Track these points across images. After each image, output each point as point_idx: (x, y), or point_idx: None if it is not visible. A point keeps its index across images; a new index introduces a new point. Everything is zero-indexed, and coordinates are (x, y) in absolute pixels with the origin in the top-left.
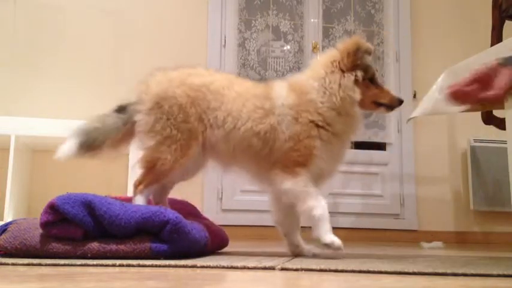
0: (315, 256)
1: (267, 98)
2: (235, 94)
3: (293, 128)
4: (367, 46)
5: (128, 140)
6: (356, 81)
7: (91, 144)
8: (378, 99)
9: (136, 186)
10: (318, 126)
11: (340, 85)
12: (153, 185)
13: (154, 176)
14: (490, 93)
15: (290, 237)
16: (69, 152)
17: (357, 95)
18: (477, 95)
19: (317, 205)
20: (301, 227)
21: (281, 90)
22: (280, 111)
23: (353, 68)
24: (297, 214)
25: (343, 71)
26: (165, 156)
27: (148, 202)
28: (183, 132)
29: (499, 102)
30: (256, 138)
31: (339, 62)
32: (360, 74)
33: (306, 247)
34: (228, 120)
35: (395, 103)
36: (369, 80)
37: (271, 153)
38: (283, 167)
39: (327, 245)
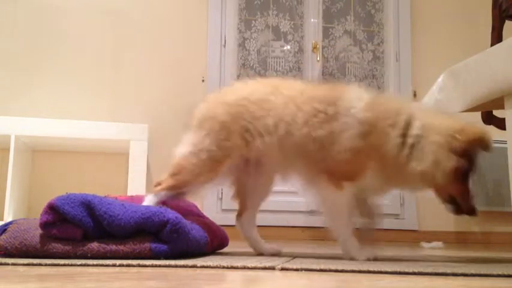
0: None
1: (332, 103)
2: (286, 98)
3: (355, 142)
4: (490, 145)
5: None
6: (455, 169)
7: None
8: (456, 196)
9: (155, 185)
10: (380, 153)
11: (438, 162)
12: (170, 191)
13: (176, 183)
14: None
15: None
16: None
17: (449, 168)
18: None
19: (343, 229)
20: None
21: (357, 102)
22: (346, 120)
23: (462, 154)
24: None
25: (456, 152)
26: (192, 168)
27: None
28: (221, 149)
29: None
30: (312, 143)
31: (456, 140)
32: (463, 163)
33: (365, 248)
34: (280, 126)
35: (469, 211)
36: (463, 174)
37: (324, 160)
38: (330, 175)
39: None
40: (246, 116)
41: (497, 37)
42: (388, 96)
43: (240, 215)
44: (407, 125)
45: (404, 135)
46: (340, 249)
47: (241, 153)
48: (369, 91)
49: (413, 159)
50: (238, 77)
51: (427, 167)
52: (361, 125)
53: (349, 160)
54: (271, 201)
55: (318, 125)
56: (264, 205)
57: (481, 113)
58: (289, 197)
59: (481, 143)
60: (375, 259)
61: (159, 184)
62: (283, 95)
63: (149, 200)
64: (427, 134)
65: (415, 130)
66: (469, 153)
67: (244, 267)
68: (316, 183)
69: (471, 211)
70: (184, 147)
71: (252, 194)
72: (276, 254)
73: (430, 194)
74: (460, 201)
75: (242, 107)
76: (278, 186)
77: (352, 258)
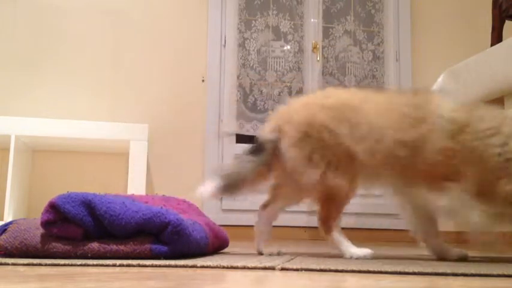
0: (461, 259)
1: (419, 107)
2: (375, 105)
3: (445, 143)
4: None
5: (266, 178)
6: None
7: (229, 189)
8: None
9: (325, 223)
10: (475, 157)
11: None
12: (340, 215)
13: (338, 205)
14: None
15: (430, 242)
16: (209, 193)
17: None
18: None
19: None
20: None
21: (445, 103)
22: (435, 121)
23: None
24: (433, 218)
25: None
26: (340, 182)
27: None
28: (339, 154)
29: None
30: (403, 148)
31: None
32: None
33: (453, 249)
34: (372, 133)
35: None
36: None
37: (416, 164)
38: (430, 181)
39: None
40: (344, 122)
41: (497, 37)
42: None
43: (265, 206)
44: (509, 138)
45: (503, 146)
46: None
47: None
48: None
49: (506, 175)
50: (238, 77)
51: None
52: (450, 124)
53: (443, 162)
54: None
55: (407, 128)
56: None
57: None
58: None
59: None
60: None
61: (328, 219)
62: (373, 102)
63: (337, 237)
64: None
65: None
66: None
67: (244, 267)
68: (415, 191)
69: None
70: (311, 174)
71: (290, 193)
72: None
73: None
74: None
75: (341, 112)
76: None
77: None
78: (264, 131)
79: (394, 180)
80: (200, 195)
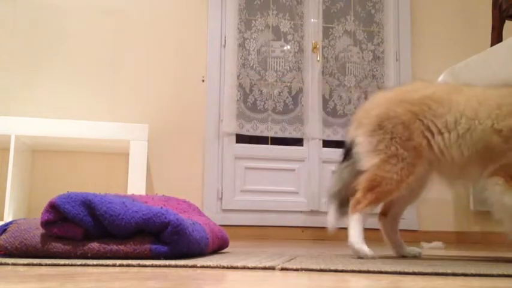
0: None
1: None
2: (467, 96)
3: None
4: None
5: None
6: None
7: (345, 203)
8: None
9: (354, 205)
10: None
11: None
12: (373, 206)
13: (377, 195)
14: None
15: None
16: (335, 220)
17: None
18: None
19: None
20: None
21: None
22: None
23: None
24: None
25: None
26: (391, 176)
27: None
28: (408, 150)
29: None
30: (496, 136)
31: None
32: None
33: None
34: (462, 122)
35: None
36: None
37: (504, 155)
38: (506, 178)
39: None
40: (427, 115)
41: (497, 37)
42: None
43: (384, 214)
44: None
45: None
46: None
47: (425, 152)
48: None
49: None
50: (238, 77)
51: None
52: None
53: None
54: (272, 201)
55: (502, 117)
56: (264, 205)
57: None
58: (289, 197)
59: None
60: None
61: (358, 202)
62: (465, 93)
63: (356, 221)
64: None
65: None
66: None
67: (244, 267)
68: (487, 185)
69: None
70: (371, 157)
71: (403, 196)
72: (417, 256)
73: (430, 195)
74: None
75: (425, 106)
76: (278, 186)
77: None
78: (349, 132)
79: (480, 171)
80: (330, 227)
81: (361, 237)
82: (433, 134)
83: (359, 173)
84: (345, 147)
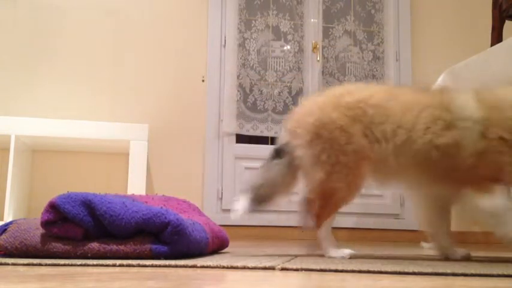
0: (464, 259)
1: (447, 109)
2: (403, 105)
3: (478, 144)
4: None
5: (296, 179)
6: None
7: (262, 200)
8: None
9: (318, 219)
10: (509, 143)
11: None
12: (333, 216)
13: (334, 206)
14: None
15: (438, 239)
16: (244, 210)
17: None
18: None
19: None
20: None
21: (466, 103)
22: (464, 125)
23: None
24: (447, 216)
25: None
26: (340, 185)
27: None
28: (349, 154)
29: None
30: (435, 151)
31: None
32: None
33: (457, 250)
34: (399, 133)
35: None
36: None
37: (451, 169)
38: (475, 185)
39: None
40: (363, 120)
41: (497, 37)
42: (489, 89)
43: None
44: None
45: None
46: None
47: (368, 153)
48: (466, 91)
49: None
50: (238, 77)
51: None
52: (477, 124)
53: (480, 164)
54: None
55: (440, 132)
56: None
57: None
58: (289, 197)
59: None
60: None
61: (320, 217)
62: (401, 102)
63: (325, 236)
64: None
65: None
66: None
67: (244, 267)
68: (460, 196)
69: None
70: (317, 171)
71: None
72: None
73: None
74: None
75: (360, 110)
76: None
77: None
78: (282, 134)
79: (422, 180)
80: (235, 214)
81: (334, 245)
82: (372, 141)
83: (287, 176)
84: (278, 146)
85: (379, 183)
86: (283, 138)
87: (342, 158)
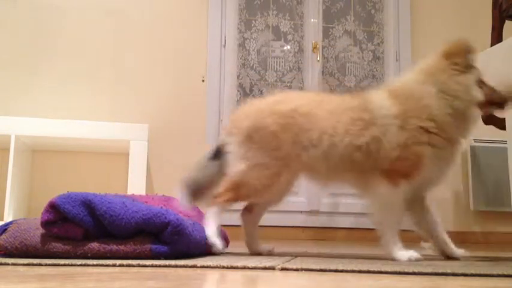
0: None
1: (365, 109)
2: (326, 112)
3: (400, 137)
4: (474, 46)
5: None
6: (475, 82)
7: (196, 195)
8: (492, 99)
9: (216, 197)
10: (428, 132)
11: (465, 87)
12: (232, 203)
13: (237, 196)
14: None
15: (435, 239)
16: (187, 201)
17: (480, 95)
18: None
19: (391, 227)
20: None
21: (381, 100)
22: (383, 122)
23: (470, 68)
24: (434, 215)
25: (463, 72)
26: (253, 183)
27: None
28: (275, 160)
29: None
30: (358, 152)
31: (456, 63)
32: (476, 73)
33: (456, 249)
34: (324, 138)
35: (507, 101)
36: (480, 80)
37: (376, 164)
38: (387, 174)
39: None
40: (294, 128)
41: (497, 37)
42: (397, 83)
43: (249, 211)
44: (425, 87)
45: (431, 94)
46: (383, 249)
47: (293, 163)
48: (379, 88)
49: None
50: (238, 77)
51: (463, 105)
52: (396, 119)
53: (402, 155)
54: None
55: (358, 132)
56: None
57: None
58: (289, 197)
59: (470, 48)
60: (417, 260)
61: (219, 196)
62: (324, 109)
63: (214, 213)
64: (450, 91)
65: (429, 86)
66: (471, 63)
67: (244, 267)
68: (370, 183)
69: (509, 99)
70: (239, 164)
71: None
72: (271, 254)
73: (429, 195)
74: (496, 100)
75: (291, 119)
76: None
77: (394, 259)
78: (221, 135)
79: (352, 180)
80: (185, 206)
81: (216, 230)
82: (300, 149)
83: (222, 176)
84: (217, 145)
85: (317, 185)
86: (221, 137)
87: (266, 160)
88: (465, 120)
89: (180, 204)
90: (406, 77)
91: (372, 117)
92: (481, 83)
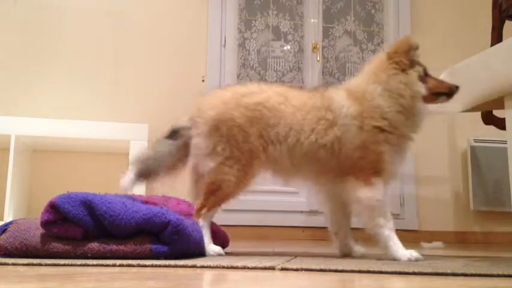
0: (363, 256)
1: (328, 109)
2: (293, 108)
3: (359, 137)
4: (417, 42)
5: (183, 163)
6: (418, 77)
7: (147, 173)
8: (438, 90)
9: (198, 210)
10: (383, 131)
11: (406, 84)
12: (216, 208)
13: (219, 198)
14: None
15: (340, 237)
16: (129, 182)
17: (423, 89)
18: None
19: (386, 224)
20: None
21: (342, 100)
22: (343, 122)
23: (412, 65)
24: (348, 215)
25: (404, 70)
26: (229, 178)
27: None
28: (244, 152)
29: None
30: (322, 150)
31: (397, 62)
32: (419, 69)
33: (356, 247)
34: (291, 135)
35: (454, 90)
36: (424, 74)
37: (340, 163)
38: (357, 176)
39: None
40: (261, 122)
41: (497, 37)
42: (353, 82)
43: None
44: (374, 88)
45: (381, 94)
46: (381, 249)
47: (261, 155)
48: (339, 87)
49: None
50: (238, 77)
51: (407, 101)
52: (354, 119)
53: (362, 155)
54: (271, 201)
55: (323, 131)
56: (264, 205)
57: (481, 113)
58: (289, 197)
59: (412, 45)
60: (418, 259)
61: (202, 207)
62: (291, 105)
63: (202, 226)
64: (394, 89)
65: (378, 86)
66: (413, 60)
67: (244, 267)
68: (344, 188)
69: (454, 88)
70: (209, 161)
71: None
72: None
73: (430, 194)
74: (442, 91)
75: (258, 112)
76: (278, 186)
77: (395, 259)
78: (181, 119)
79: (316, 177)
80: (121, 186)
81: (208, 239)
82: (267, 143)
83: (176, 158)
84: (175, 127)
85: (280, 180)
86: (182, 120)
87: (236, 153)
88: (414, 116)
89: (122, 183)
90: (358, 78)
91: (335, 117)
92: (425, 77)
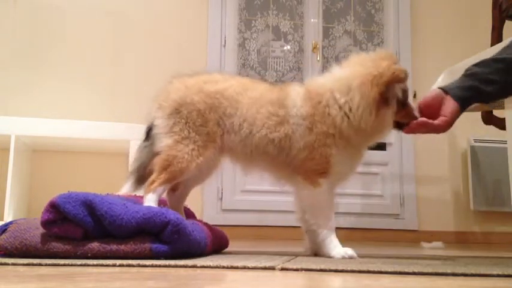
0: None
1: (282, 105)
2: (250, 100)
3: (307, 138)
4: (405, 77)
5: None
6: (392, 114)
7: (142, 180)
8: (403, 121)
9: (149, 184)
10: (333, 135)
11: (369, 113)
12: (166, 185)
13: (169, 175)
14: (436, 122)
15: (310, 235)
16: (129, 191)
17: (390, 127)
18: (424, 125)
19: (325, 224)
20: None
21: (296, 98)
22: (294, 121)
23: (390, 100)
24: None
25: (384, 104)
26: (182, 155)
27: (161, 202)
28: (201, 134)
29: (444, 130)
30: (271, 145)
31: (374, 85)
32: (392, 102)
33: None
34: (244, 126)
35: (410, 121)
36: (400, 103)
37: (288, 160)
38: (304, 175)
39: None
40: (218, 110)
41: (497, 37)
42: (317, 82)
43: (173, 190)
44: (334, 97)
45: (340, 107)
46: (316, 248)
47: (218, 139)
48: (302, 83)
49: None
50: None
51: (362, 124)
52: (304, 120)
53: (310, 156)
54: (271, 201)
55: (273, 127)
56: (264, 205)
57: (481, 113)
58: (289, 197)
59: (399, 80)
60: (352, 257)
61: (152, 182)
62: (248, 96)
63: (149, 199)
64: (351, 96)
65: (341, 98)
66: (390, 94)
67: (244, 267)
68: (293, 183)
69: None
70: (167, 138)
71: (195, 176)
72: None
73: (430, 194)
74: (403, 121)
75: (217, 100)
76: (278, 186)
77: (329, 257)
78: (150, 112)
79: (268, 170)
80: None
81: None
82: (223, 131)
83: (156, 154)
84: (147, 127)
85: (239, 168)
86: (150, 116)
87: (192, 134)
88: (369, 138)
89: (121, 191)
90: (325, 79)
91: (286, 115)
92: (401, 107)
